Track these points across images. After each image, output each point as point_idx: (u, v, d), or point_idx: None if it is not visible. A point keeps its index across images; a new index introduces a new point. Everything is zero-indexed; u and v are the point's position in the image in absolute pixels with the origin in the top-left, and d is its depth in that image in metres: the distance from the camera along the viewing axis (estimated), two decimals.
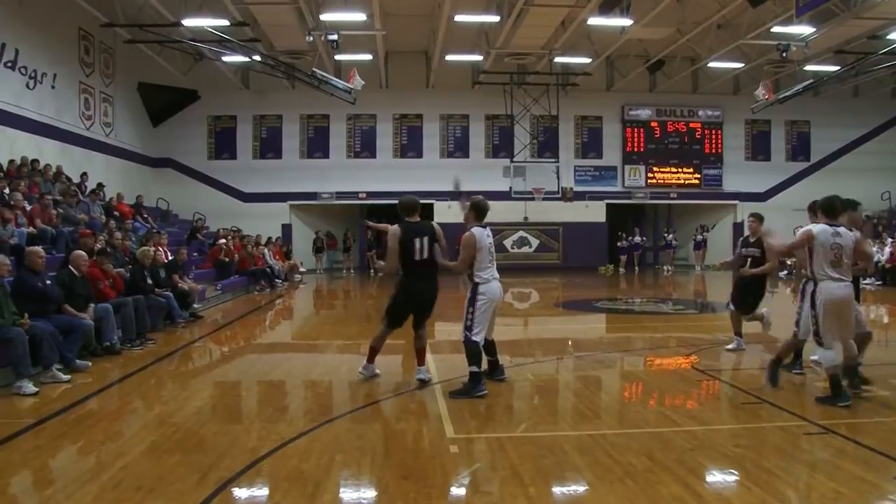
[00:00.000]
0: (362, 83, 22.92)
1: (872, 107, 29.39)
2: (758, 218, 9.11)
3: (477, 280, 7.11)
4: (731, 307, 9.51)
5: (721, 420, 6.46)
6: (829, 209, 6.64)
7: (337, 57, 23.63)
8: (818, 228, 6.58)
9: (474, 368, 7.02)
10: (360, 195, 27.67)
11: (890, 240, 21.83)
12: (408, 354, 10.18)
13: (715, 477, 4.82)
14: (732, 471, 4.98)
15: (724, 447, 5.46)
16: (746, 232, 9.36)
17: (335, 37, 19.51)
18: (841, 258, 6.48)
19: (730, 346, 9.53)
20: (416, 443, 5.66)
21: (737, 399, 7.04)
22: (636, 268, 28.39)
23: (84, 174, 18.73)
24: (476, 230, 7.15)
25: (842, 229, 6.55)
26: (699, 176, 29.03)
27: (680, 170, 28.93)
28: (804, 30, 18.92)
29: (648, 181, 28.83)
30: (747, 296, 9.20)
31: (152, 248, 13.11)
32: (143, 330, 10.67)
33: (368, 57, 23.88)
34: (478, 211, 7.28)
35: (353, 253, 28.17)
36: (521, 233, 28.13)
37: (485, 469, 5.06)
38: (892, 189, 28.54)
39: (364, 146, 28.04)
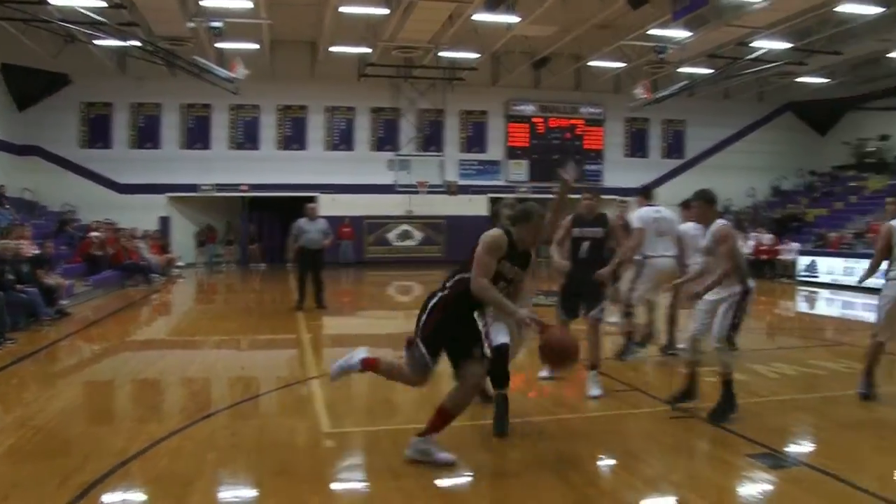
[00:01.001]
0: (246, 73, 22.30)
1: (741, 109, 30.95)
2: (594, 195, 7.97)
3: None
4: (562, 315, 7.26)
5: (594, 408, 6.66)
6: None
7: (220, 45, 22.89)
8: None
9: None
10: (242, 187, 26.87)
11: (753, 234, 23.17)
12: (289, 348, 10.07)
13: (586, 464, 4.97)
14: (602, 456, 5.17)
15: (596, 434, 5.66)
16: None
17: (219, 24, 18.84)
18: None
19: (542, 373, 7.49)
20: (292, 438, 5.55)
21: (609, 387, 7.26)
22: None
23: None
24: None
25: None
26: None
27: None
28: (680, 34, 19.77)
29: (531, 176, 29.34)
30: (581, 295, 7.16)
31: (13, 241, 12.33)
32: (3, 329, 10.02)
33: (254, 46, 23.25)
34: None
35: (234, 247, 27.35)
36: (404, 226, 28.09)
37: (359, 463, 5.05)
38: (756, 186, 30.27)
39: (247, 137, 27.22)
